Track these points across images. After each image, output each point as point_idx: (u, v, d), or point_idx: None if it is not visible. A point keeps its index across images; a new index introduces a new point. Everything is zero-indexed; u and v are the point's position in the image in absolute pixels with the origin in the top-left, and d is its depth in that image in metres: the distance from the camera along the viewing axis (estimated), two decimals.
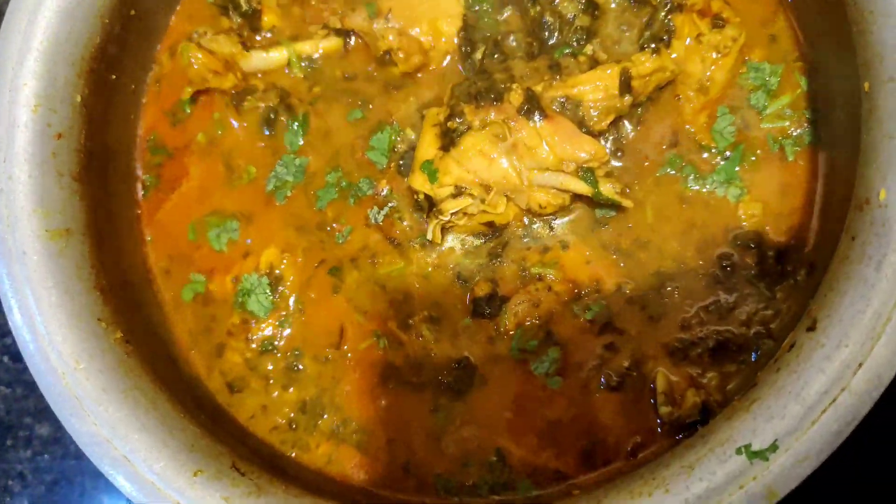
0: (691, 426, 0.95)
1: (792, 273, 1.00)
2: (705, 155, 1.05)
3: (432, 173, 1.00)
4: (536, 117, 0.98)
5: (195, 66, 1.10)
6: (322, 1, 1.15)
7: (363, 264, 1.07)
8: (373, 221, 1.07)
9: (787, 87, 1.04)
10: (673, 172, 1.05)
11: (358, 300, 1.07)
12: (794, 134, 1.02)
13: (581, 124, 1.00)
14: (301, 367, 1.07)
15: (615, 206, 1.03)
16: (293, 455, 1.04)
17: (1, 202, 0.96)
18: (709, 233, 1.03)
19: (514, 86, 0.99)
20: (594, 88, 0.99)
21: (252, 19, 1.15)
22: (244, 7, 1.14)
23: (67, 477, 1.23)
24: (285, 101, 1.12)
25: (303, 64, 1.13)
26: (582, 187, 1.00)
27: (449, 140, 0.99)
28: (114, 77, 1.09)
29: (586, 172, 0.99)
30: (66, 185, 1.00)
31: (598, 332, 1.02)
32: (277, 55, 1.13)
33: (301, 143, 1.11)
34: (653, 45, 1.02)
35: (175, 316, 1.11)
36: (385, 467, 1.02)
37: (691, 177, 1.04)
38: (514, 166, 0.99)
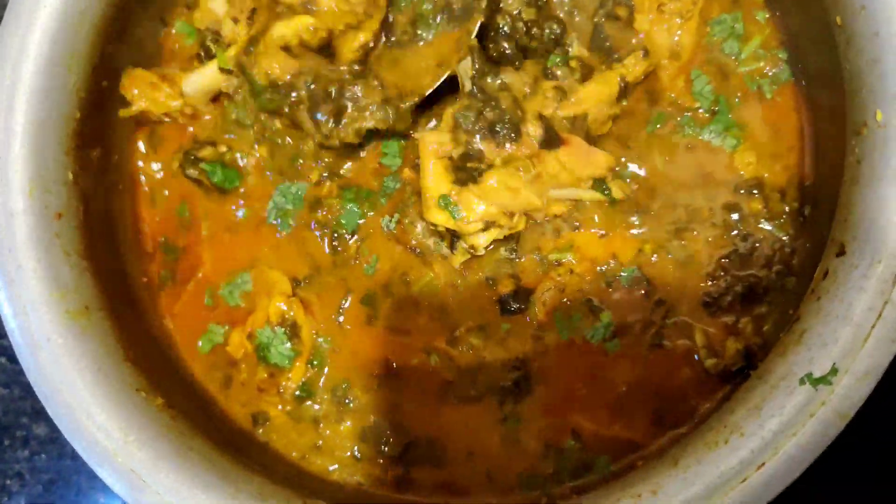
0: (739, 373, 0.97)
1: (799, 210, 1.03)
2: (688, 114, 1.08)
3: (453, 208, 1.00)
4: (558, 146, 1.00)
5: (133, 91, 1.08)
6: None
7: (396, 287, 1.07)
8: (385, 230, 1.07)
9: (754, 30, 1.07)
10: (659, 127, 1.07)
11: (397, 323, 1.07)
12: (771, 73, 1.06)
13: (587, 135, 1.03)
14: (351, 399, 1.06)
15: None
16: (364, 485, 1.03)
17: (14, 292, 0.94)
18: (712, 185, 1.05)
19: (529, 116, 1.00)
20: (598, 102, 1.02)
21: None
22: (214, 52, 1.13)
23: (64, 476, 1.24)
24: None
25: None
26: (597, 197, 1.04)
27: (467, 175, 1.00)
28: (99, 151, 1.07)
29: (599, 182, 1.03)
30: (76, 264, 0.98)
31: (633, 295, 1.04)
32: (210, 70, 1.09)
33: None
34: (644, 50, 1.05)
35: (206, 377, 1.09)
36: (469, 478, 1.02)
37: (683, 133, 1.07)
38: (538, 192, 1.01)
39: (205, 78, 1.09)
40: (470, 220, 1.00)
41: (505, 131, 0.99)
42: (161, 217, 1.14)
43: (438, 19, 1.03)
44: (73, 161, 1.02)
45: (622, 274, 1.04)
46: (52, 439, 1.25)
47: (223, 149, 1.12)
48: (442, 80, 1.02)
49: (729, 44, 1.07)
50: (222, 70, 1.06)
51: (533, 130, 1.00)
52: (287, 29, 1.01)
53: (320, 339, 1.08)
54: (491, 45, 1.07)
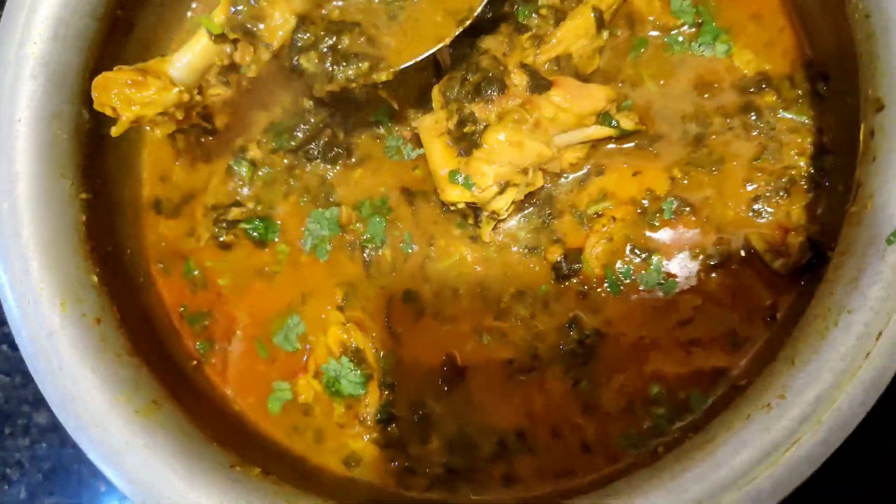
0: (810, 266, 0.96)
1: (812, 89, 1.02)
2: (675, 32, 1.07)
3: (466, 181, 0.98)
4: (548, 87, 0.98)
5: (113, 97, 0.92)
6: None
7: (432, 277, 1.06)
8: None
9: None
10: (643, 51, 1.07)
11: (443, 311, 1.05)
12: None
13: (577, 74, 1.02)
14: (426, 411, 1.03)
15: (633, 133, 1.04)
16: (476, 498, 1.00)
17: (80, 408, 0.90)
18: (719, 93, 1.04)
19: (511, 67, 0.99)
20: (576, 38, 1.01)
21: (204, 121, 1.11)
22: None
23: (65, 465, 1.23)
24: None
25: None
26: (606, 131, 1.02)
27: (469, 143, 0.98)
28: (110, 249, 1.05)
29: (604, 117, 1.01)
30: (129, 363, 0.96)
31: (679, 225, 1.02)
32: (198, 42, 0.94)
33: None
34: None
35: (288, 438, 1.06)
36: (565, 457, 0.99)
37: (673, 51, 1.06)
38: (543, 140, 0.99)
39: (194, 54, 0.94)
40: (484, 186, 0.98)
41: (491, 88, 0.97)
42: (173, 285, 1.12)
43: None
44: (93, 263, 0.99)
45: (663, 207, 1.03)
46: (52, 427, 1.23)
47: (250, 204, 1.10)
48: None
49: None
50: (215, 38, 0.92)
51: (518, 80, 0.98)
52: None
53: (382, 355, 1.05)
54: None
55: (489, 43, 1.03)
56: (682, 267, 1.02)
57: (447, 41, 0.95)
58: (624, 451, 0.98)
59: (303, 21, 0.92)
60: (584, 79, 1.02)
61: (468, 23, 0.94)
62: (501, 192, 0.99)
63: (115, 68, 0.94)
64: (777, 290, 0.99)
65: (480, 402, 1.03)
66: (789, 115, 1.03)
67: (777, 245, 0.99)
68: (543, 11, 1.03)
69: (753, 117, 1.03)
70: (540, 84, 0.98)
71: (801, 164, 1.01)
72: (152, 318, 1.08)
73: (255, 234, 1.09)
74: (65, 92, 1.01)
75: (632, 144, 1.06)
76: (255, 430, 1.05)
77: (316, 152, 1.10)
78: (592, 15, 1.02)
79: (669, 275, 1.01)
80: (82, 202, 1.01)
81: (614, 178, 1.05)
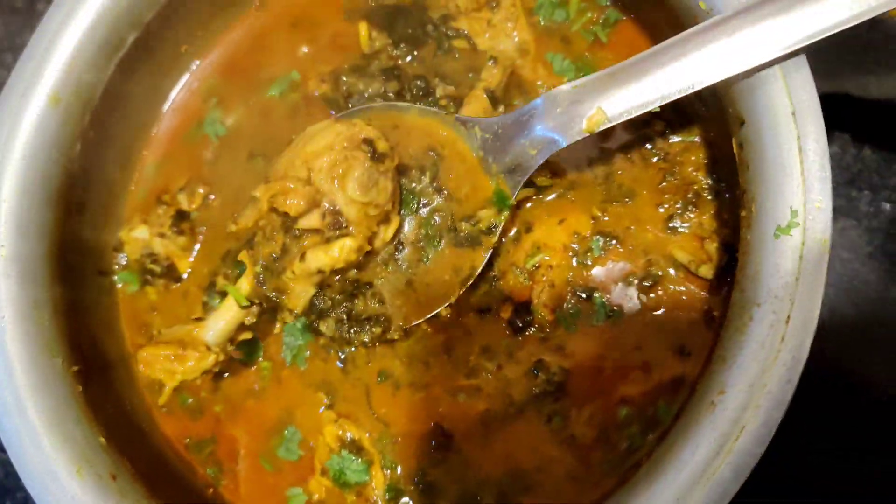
0: (731, 266, 1.06)
1: (693, 108, 1.14)
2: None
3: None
4: None
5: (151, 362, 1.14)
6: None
7: (399, 351, 1.15)
8: None
9: None
10: None
11: (418, 381, 1.14)
12: (601, 19, 1.19)
13: None
14: (429, 479, 1.12)
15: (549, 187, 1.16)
16: None
17: None
18: (615, 134, 1.16)
19: None
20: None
21: (169, 272, 1.22)
22: (159, 269, 1.21)
23: None
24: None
25: None
26: (524, 192, 1.13)
27: None
28: (111, 410, 1.14)
29: None
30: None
31: (609, 259, 1.12)
32: (228, 310, 1.14)
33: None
34: (491, 60, 1.17)
35: None
36: (557, 490, 1.08)
37: None
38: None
39: (226, 322, 1.13)
40: None
41: None
42: (175, 421, 1.21)
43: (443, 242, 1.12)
44: (98, 426, 1.08)
45: (591, 246, 1.13)
46: None
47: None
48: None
49: (557, 14, 1.19)
50: (244, 306, 1.11)
51: None
52: (327, 258, 1.03)
53: (377, 439, 1.14)
54: None
55: None
56: (622, 296, 1.12)
57: (452, 300, 1.10)
58: (607, 475, 1.06)
59: (320, 286, 1.08)
60: None
61: (470, 282, 1.09)
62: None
63: (154, 341, 1.15)
64: (710, 294, 1.09)
65: (473, 458, 1.11)
66: (679, 138, 1.14)
67: (697, 254, 1.10)
68: (443, 102, 1.16)
69: (649, 146, 1.15)
70: None
71: (700, 177, 1.13)
72: (163, 459, 1.16)
73: (240, 358, 1.19)
74: (38, 280, 1.11)
75: (552, 197, 1.16)
76: None
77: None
78: (485, 95, 1.14)
79: (613, 306, 1.11)
80: (75, 374, 1.10)
81: (543, 230, 1.15)
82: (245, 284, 1.10)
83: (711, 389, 0.90)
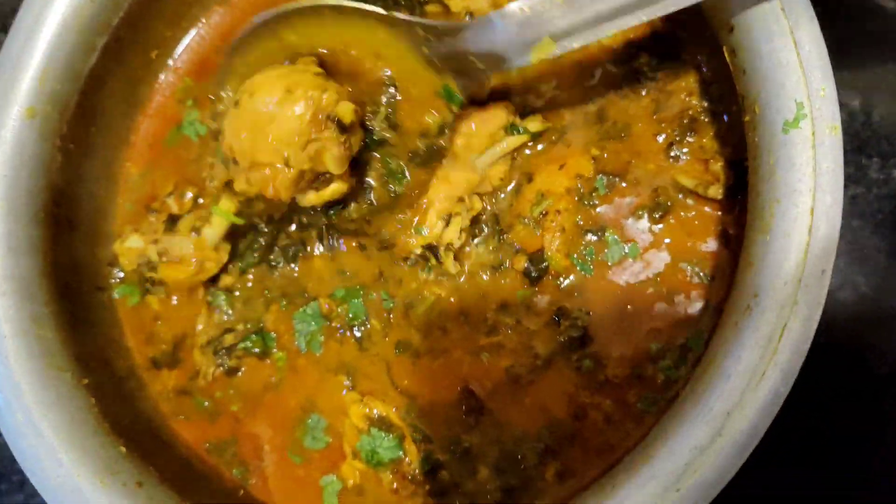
0: (739, 183, 1.05)
1: (675, 36, 1.13)
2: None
3: (416, 228, 1.08)
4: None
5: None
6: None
7: (414, 319, 1.12)
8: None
9: None
10: None
11: (437, 347, 1.11)
12: None
13: (474, 103, 1.11)
14: (465, 446, 1.08)
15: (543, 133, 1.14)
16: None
17: None
18: (602, 71, 1.15)
19: None
20: None
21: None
22: (157, 276, 1.18)
23: None
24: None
25: None
26: (519, 139, 1.12)
27: None
28: (126, 422, 1.09)
29: (511, 127, 1.11)
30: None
31: (615, 195, 1.11)
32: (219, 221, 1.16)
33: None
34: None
35: None
36: (597, 435, 1.05)
37: None
38: (466, 168, 1.09)
39: (218, 227, 1.15)
40: (431, 225, 1.08)
41: None
42: (193, 426, 1.17)
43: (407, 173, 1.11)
44: (117, 436, 1.04)
45: (596, 186, 1.11)
46: None
47: (239, 326, 1.16)
48: None
49: None
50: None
51: None
52: (318, 199, 1.07)
53: (405, 412, 1.11)
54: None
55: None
56: (634, 230, 1.10)
57: None
58: (646, 411, 1.03)
59: None
60: (482, 103, 1.12)
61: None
62: (447, 224, 1.08)
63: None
64: (722, 213, 1.07)
65: (506, 417, 1.08)
66: (666, 67, 1.13)
67: (703, 176, 1.08)
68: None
69: (638, 80, 1.13)
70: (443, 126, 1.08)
71: (694, 102, 1.11)
72: (189, 463, 1.12)
73: (255, 349, 1.15)
74: (35, 297, 1.07)
75: (543, 146, 1.14)
76: None
77: (278, 257, 1.17)
78: None
79: (627, 242, 1.09)
80: (86, 387, 1.06)
81: (544, 177, 1.13)
82: (226, 202, 1.13)
83: (745, 295, 0.88)
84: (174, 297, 1.20)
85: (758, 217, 0.90)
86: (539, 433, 1.07)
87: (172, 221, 1.20)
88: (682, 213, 1.09)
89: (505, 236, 1.13)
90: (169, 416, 1.17)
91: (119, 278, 1.22)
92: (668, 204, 1.09)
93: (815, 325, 0.85)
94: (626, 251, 1.09)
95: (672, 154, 1.10)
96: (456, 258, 1.12)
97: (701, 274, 1.07)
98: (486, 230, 1.13)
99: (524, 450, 1.07)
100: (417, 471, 1.08)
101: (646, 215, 1.09)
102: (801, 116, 0.88)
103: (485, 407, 1.09)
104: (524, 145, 1.13)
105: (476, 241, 1.13)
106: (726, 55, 0.96)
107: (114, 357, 1.17)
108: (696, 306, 1.06)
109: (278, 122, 0.99)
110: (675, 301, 1.07)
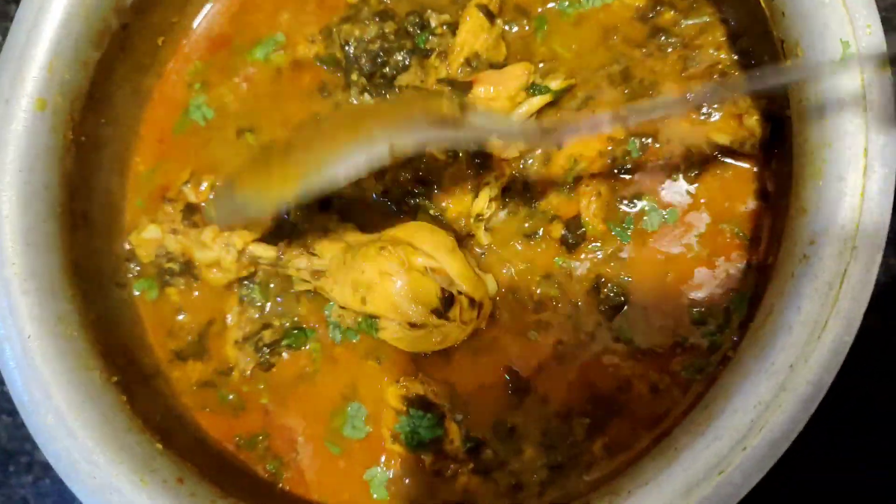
0: (775, 136, 1.01)
1: None
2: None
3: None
4: (469, 87, 1.05)
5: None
6: None
7: None
8: None
9: None
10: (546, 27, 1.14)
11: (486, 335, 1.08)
12: None
13: (491, 66, 1.09)
14: (510, 426, 1.05)
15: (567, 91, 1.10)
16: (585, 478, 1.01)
17: None
18: (622, 30, 1.12)
19: (431, 87, 1.07)
20: (475, 36, 1.08)
21: (188, 269, 1.16)
22: (177, 267, 1.15)
23: (67, 500, 1.27)
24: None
25: None
26: (542, 100, 1.08)
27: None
28: (158, 418, 1.06)
29: (532, 88, 1.07)
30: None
31: (649, 157, 1.07)
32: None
33: None
34: None
35: None
36: (644, 406, 1.03)
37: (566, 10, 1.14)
38: None
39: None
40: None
41: None
42: (219, 422, 1.13)
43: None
44: (151, 433, 1.01)
45: (629, 148, 1.08)
46: None
47: (276, 322, 1.13)
48: None
49: None
50: None
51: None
52: None
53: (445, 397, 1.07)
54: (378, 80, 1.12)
55: (404, 79, 1.11)
56: (672, 194, 1.07)
57: None
58: (693, 379, 1.01)
59: None
60: (500, 66, 1.09)
61: None
62: (476, 195, 1.05)
63: None
64: (759, 169, 1.05)
65: (551, 394, 1.05)
66: (692, 21, 1.10)
67: (738, 132, 1.05)
68: (438, 30, 1.11)
69: (663, 38, 1.10)
70: (461, 87, 1.06)
71: (723, 56, 1.08)
72: (226, 458, 1.09)
73: (295, 345, 1.12)
74: (57, 295, 1.04)
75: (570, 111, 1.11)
76: None
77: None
78: (480, 12, 1.09)
79: (666, 205, 1.06)
80: (115, 385, 1.02)
81: (574, 143, 1.10)
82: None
83: (800, 243, 0.85)
84: (195, 291, 1.16)
85: (807, 163, 0.87)
86: (584, 408, 1.03)
87: (190, 211, 1.17)
88: (718, 172, 1.06)
89: (536, 204, 1.09)
90: (194, 410, 1.13)
91: (136, 272, 1.18)
92: (703, 162, 1.06)
93: (875, 270, 0.82)
94: (665, 217, 1.06)
95: (704, 111, 1.07)
96: (487, 230, 1.09)
97: (741, 234, 1.04)
98: (515, 199, 1.10)
99: (570, 426, 1.03)
100: (460, 450, 1.05)
101: (681, 176, 1.06)
102: (848, 56, 0.84)
103: (530, 386, 1.05)
104: (549, 105, 1.09)
105: (506, 210, 1.10)
106: (762, 1, 0.93)
107: (139, 355, 1.13)
108: (737, 267, 1.04)
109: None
110: (716, 264, 1.04)
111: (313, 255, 1.07)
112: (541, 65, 1.12)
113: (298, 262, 1.08)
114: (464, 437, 1.05)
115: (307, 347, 1.13)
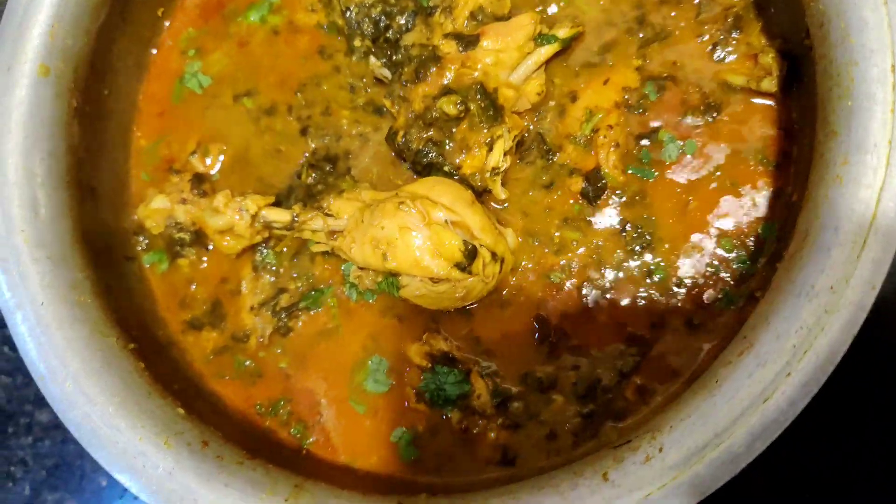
0: (793, 73, 1.01)
1: None
2: None
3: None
4: (477, 40, 1.03)
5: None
6: None
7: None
8: None
9: None
10: None
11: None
12: None
13: (497, 19, 1.07)
14: (539, 376, 1.03)
15: (575, 38, 1.09)
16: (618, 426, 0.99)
17: None
18: None
19: (437, 42, 1.04)
20: None
21: (199, 239, 1.14)
22: (187, 237, 1.14)
23: (67, 461, 1.26)
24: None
25: None
26: (550, 49, 1.06)
27: (445, 131, 1.04)
28: (176, 386, 1.03)
29: (540, 37, 1.05)
30: (254, 466, 0.94)
31: (665, 98, 1.07)
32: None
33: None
34: None
35: (439, 471, 1.04)
36: (678, 342, 1.01)
37: None
38: (501, 85, 1.03)
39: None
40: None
41: (427, 68, 1.03)
42: (238, 387, 1.10)
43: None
44: (173, 398, 0.98)
45: (646, 92, 1.07)
46: (54, 425, 1.26)
47: (292, 285, 1.11)
48: None
49: None
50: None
51: (448, 48, 1.04)
52: None
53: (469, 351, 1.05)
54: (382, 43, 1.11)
55: (409, 38, 1.08)
56: (689, 127, 1.06)
57: None
58: (725, 310, 0.99)
59: None
60: (505, 18, 1.07)
61: None
62: (490, 149, 1.03)
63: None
64: (779, 106, 1.04)
65: (581, 339, 1.03)
66: None
67: (754, 72, 1.04)
68: None
69: None
70: (468, 41, 1.04)
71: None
72: (250, 422, 1.06)
73: (313, 306, 1.10)
74: (69, 263, 1.01)
75: (582, 67, 1.10)
76: (406, 479, 1.03)
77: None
78: None
79: (683, 136, 1.05)
80: (133, 352, 1.00)
81: (589, 94, 1.09)
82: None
83: (833, 164, 0.84)
84: (205, 259, 1.13)
85: (834, 85, 0.86)
86: (617, 350, 1.02)
87: (199, 180, 1.14)
88: (738, 109, 1.05)
89: (553, 157, 1.08)
90: (211, 379, 1.10)
91: (145, 245, 1.15)
92: (720, 101, 1.05)
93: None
94: (683, 148, 1.05)
95: (717, 55, 1.07)
96: (504, 184, 1.07)
97: (765, 160, 1.03)
98: (531, 150, 1.08)
99: (601, 372, 1.01)
100: (488, 404, 1.02)
101: (699, 116, 1.06)
102: None
103: (558, 332, 1.03)
104: (559, 54, 1.08)
105: (523, 162, 1.08)
106: None
107: (152, 327, 1.10)
108: (763, 194, 1.03)
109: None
110: (742, 192, 1.03)
111: (329, 215, 1.05)
112: (552, 8, 1.10)
113: (314, 224, 1.05)
114: (492, 392, 1.02)
115: (327, 304, 1.10)
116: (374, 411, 1.06)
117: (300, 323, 1.09)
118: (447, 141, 1.05)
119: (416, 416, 1.05)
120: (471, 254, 0.97)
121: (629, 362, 1.01)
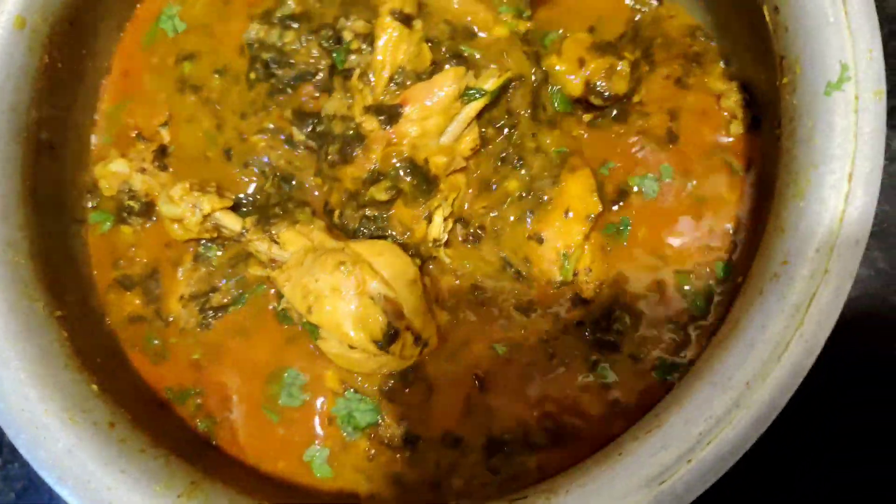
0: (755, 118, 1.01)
1: None
2: None
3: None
4: (399, 111, 0.99)
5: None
6: None
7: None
8: None
9: None
10: None
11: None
12: None
13: (419, 76, 1.00)
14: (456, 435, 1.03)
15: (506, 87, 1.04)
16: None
17: None
18: None
19: (358, 117, 1.01)
20: (395, 48, 1.00)
21: (147, 211, 1.13)
22: (137, 206, 1.12)
23: (36, 484, 1.25)
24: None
25: None
26: (479, 104, 1.00)
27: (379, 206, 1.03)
28: (99, 360, 1.02)
29: (467, 94, 1.00)
30: (155, 455, 0.95)
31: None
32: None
33: None
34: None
35: (356, 483, 1.04)
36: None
37: None
38: (432, 153, 1.01)
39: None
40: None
41: (352, 148, 1.00)
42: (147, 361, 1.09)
43: None
44: (90, 374, 0.98)
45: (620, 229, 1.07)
46: None
47: (226, 286, 1.10)
48: None
49: None
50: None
51: (370, 125, 0.99)
52: None
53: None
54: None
55: (330, 107, 1.04)
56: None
57: None
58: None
59: None
60: (427, 74, 1.00)
61: None
62: (430, 221, 1.01)
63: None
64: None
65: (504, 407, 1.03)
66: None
67: (716, 113, 1.05)
68: (354, 45, 1.03)
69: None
70: (391, 114, 0.99)
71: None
72: (165, 408, 1.05)
73: (239, 307, 1.09)
74: (10, 220, 1.00)
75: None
76: (303, 485, 1.02)
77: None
78: (395, 19, 1.00)
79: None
80: (58, 319, 0.99)
81: (555, 231, 1.05)
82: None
83: (772, 261, 0.85)
84: (150, 233, 1.12)
85: (792, 182, 0.86)
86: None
87: (162, 153, 1.14)
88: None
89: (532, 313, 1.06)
90: (126, 347, 1.09)
91: (95, 204, 1.14)
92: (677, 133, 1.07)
93: (844, 298, 0.81)
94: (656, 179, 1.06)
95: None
96: (447, 248, 1.06)
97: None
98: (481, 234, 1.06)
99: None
100: (397, 436, 1.02)
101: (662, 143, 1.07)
102: (846, 79, 0.83)
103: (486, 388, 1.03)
104: (490, 105, 1.02)
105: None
106: (766, 13, 0.92)
107: (86, 291, 1.10)
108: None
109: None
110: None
111: (276, 242, 1.03)
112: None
113: (259, 245, 1.04)
114: (405, 431, 1.02)
115: (253, 303, 1.09)
116: (289, 422, 1.05)
117: (222, 318, 1.08)
118: (384, 216, 1.02)
119: (328, 436, 1.04)
120: (391, 337, 0.96)
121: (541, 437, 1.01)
